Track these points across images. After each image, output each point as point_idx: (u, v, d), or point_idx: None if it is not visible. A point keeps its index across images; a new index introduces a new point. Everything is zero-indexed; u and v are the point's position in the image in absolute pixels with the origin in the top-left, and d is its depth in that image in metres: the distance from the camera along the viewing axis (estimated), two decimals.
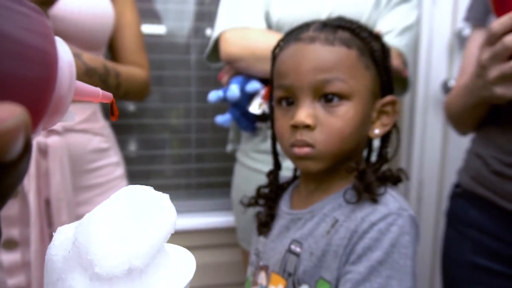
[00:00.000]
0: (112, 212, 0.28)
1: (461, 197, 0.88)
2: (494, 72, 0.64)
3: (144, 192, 0.29)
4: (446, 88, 1.30)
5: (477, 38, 0.87)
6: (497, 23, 0.62)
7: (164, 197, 0.30)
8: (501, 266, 0.79)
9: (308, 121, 0.57)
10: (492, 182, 0.79)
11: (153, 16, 1.36)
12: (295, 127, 0.59)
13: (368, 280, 0.54)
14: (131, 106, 1.38)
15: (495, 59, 0.64)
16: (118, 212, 0.28)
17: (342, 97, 0.58)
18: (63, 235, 0.29)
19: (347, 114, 0.58)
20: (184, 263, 0.31)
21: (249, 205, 0.73)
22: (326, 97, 0.58)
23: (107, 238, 0.26)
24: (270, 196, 0.72)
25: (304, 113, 0.58)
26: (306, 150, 0.58)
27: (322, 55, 0.58)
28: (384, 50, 0.64)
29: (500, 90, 0.65)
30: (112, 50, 1.01)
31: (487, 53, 0.65)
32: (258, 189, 0.74)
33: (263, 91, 0.93)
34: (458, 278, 0.86)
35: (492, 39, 0.64)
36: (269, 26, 0.96)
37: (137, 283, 0.27)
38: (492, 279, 0.80)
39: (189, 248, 0.33)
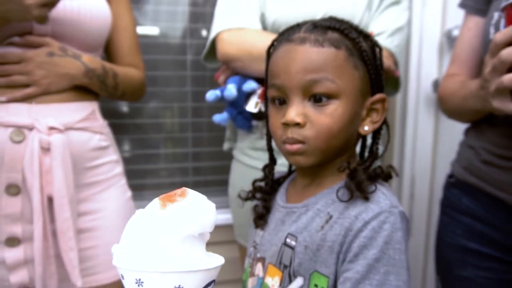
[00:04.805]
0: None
1: (454, 187, 0.92)
2: (493, 85, 0.65)
3: (198, 194, 0.42)
4: (436, 87, 1.33)
5: (471, 25, 0.89)
6: (499, 34, 0.63)
7: (211, 204, 0.42)
8: (490, 249, 0.83)
9: (298, 119, 0.60)
10: (482, 171, 0.82)
11: (149, 18, 1.38)
12: (286, 125, 0.62)
13: (367, 278, 0.57)
14: (124, 107, 1.40)
15: (494, 72, 0.64)
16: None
17: (330, 96, 0.60)
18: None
19: (336, 112, 0.60)
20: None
21: (247, 199, 0.76)
22: (315, 97, 0.61)
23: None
24: (266, 189, 0.74)
25: (294, 112, 0.60)
26: (296, 146, 0.61)
27: (311, 56, 0.61)
28: (374, 50, 0.66)
29: (497, 104, 0.66)
30: (108, 51, 1.03)
31: (489, 66, 0.65)
32: (254, 182, 0.76)
33: (259, 90, 0.95)
34: (451, 261, 0.90)
35: (494, 51, 0.64)
36: (265, 27, 0.98)
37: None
38: (482, 262, 0.84)
39: None
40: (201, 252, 0.41)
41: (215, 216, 0.42)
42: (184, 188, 0.42)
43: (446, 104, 0.92)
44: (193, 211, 0.40)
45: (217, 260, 0.42)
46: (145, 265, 0.38)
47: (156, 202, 0.41)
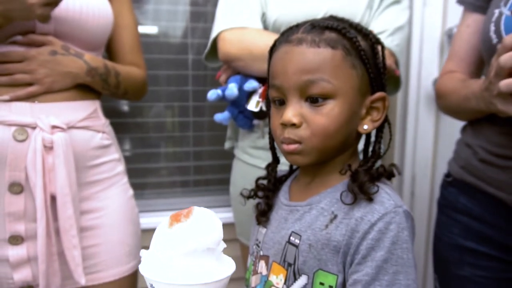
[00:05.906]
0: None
1: (451, 185, 0.92)
2: (495, 89, 0.66)
3: (205, 213, 0.49)
4: None
5: (470, 22, 0.89)
6: (508, 37, 0.63)
7: (218, 222, 0.48)
8: (488, 248, 0.84)
9: (294, 120, 0.61)
10: (480, 171, 0.82)
11: (150, 17, 1.39)
12: (284, 125, 0.62)
13: (377, 279, 0.57)
14: (125, 106, 1.41)
15: (497, 75, 0.65)
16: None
17: (326, 97, 0.61)
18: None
19: (332, 112, 0.61)
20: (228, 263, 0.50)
21: (249, 197, 0.76)
22: (312, 98, 0.61)
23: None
24: (269, 187, 0.75)
25: (291, 112, 0.61)
26: (293, 146, 0.62)
27: (307, 57, 0.61)
28: (374, 48, 0.66)
29: (501, 107, 0.67)
30: (110, 50, 1.03)
31: (494, 69, 0.66)
32: (257, 181, 0.77)
33: (260, 90, 0.96)
34: (448, 260, 0.90)
35: (502, 54, 0.64)
36: (266, 27, 0.99)
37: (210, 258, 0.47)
38: (480, 261, 0.85)
39: None
40: (206, 266, 0.47)
41: (220, 234, 0.47)
42: (190, 208, 0.48)
43: (444, 101, 0.92)
44: (195, 231, 0.47)
45: (220, 272, 0.47)
46: (154, 275, 0.46)
47: (166, 220, 0.47)
